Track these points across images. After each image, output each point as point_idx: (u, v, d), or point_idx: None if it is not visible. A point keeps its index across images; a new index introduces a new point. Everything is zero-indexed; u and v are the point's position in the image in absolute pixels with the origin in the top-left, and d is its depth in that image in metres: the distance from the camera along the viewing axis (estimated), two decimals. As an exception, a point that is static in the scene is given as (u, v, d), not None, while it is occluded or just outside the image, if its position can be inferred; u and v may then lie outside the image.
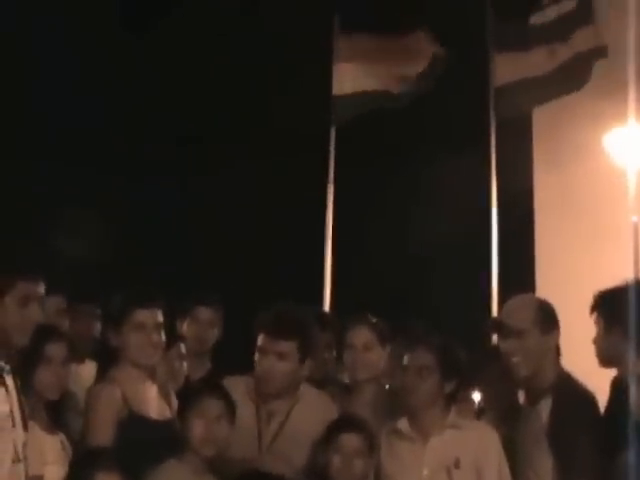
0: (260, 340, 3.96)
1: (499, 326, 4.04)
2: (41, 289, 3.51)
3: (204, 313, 5.13)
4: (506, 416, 4.18)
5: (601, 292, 3.99)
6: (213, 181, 7.22)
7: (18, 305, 3.43)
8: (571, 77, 6.70)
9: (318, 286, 6.92)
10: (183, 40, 7.44)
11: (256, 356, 3.98)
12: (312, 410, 4.01)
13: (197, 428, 3.71)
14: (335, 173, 7.09)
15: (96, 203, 7.10)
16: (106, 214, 7.14)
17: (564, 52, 6.68)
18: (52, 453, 3.65)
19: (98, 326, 5.28)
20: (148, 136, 7.34)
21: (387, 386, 4.34)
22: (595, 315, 4.01)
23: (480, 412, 4.42)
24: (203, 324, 5.12)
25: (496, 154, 7.04)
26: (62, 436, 3.77)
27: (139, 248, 7.15)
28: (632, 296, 3.85)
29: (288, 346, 3.96)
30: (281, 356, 3.95)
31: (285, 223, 7.30)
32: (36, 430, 3.62)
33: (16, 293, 3.43)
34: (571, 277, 6.90)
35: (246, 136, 7.41)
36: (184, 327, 5.12)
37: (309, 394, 4.08)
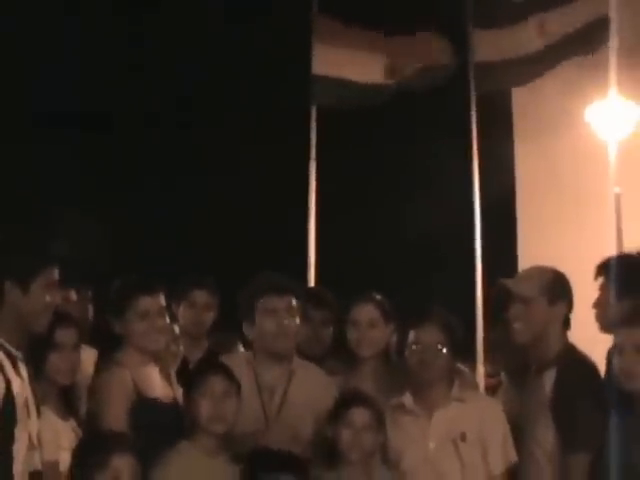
0: (264, 301, 4.04)
1: (507, 291, 4.09)
2: (57, 275, 3.51)
3: (200, 296, 5.13)
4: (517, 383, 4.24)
5: (613, 256, 4.05)
6: (196, 162, 7.21)
7: (43, 292, 3.43)
8: (566, 54, 6.67)
9: (302, 266, 6.96)
10: (159, 21, 7.38)
11: (261, 320, 4.05)
12: (309, 381, 4.10)
13: (204, 407, 3.75)
14: (317, 151, 7.13)
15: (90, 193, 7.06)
16: (95, 200, 7.10)
17: (556, 27, 6.64)
18: (66, 438, 3.66)
19: (91, 310, 5.28)
20: (135, 121, 7.29)
21: (391, 361, 4.36)
22: (602, 279, 4.06)
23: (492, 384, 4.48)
24: (199, 307, 5.12)
25: (476, 128, 7.08)
26: (73, 422, 3.77)
27: (129, 232, 7.12)
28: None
29: (293, 301, 4.08)
30: (290, 311, 4.06)
31: (268, 203, 7.32)
32: (50, 416, 3.64)
33: (41, 280, 3.43)
34: (554, 249, 6.96)
35: (226, 116, 7.38)
36: (180, 310, 5.12)
37: (302, 366, 4.17)
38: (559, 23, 6.67)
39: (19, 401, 3.33)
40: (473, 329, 6.21)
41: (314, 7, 7.25)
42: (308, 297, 4.64)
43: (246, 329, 4.14)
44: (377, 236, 7.61)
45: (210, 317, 5.12)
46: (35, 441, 3.41)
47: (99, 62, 7.24)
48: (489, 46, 7.07)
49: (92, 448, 3.60)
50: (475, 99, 7.12)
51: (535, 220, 7.30)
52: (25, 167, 6.88)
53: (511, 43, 7.00)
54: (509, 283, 4.10)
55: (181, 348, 4.83)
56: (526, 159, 7.37)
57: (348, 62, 7.11)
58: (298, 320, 4.12)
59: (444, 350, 4.01)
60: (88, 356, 4.37)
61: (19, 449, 3.32)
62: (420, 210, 7.44)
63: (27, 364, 3.50)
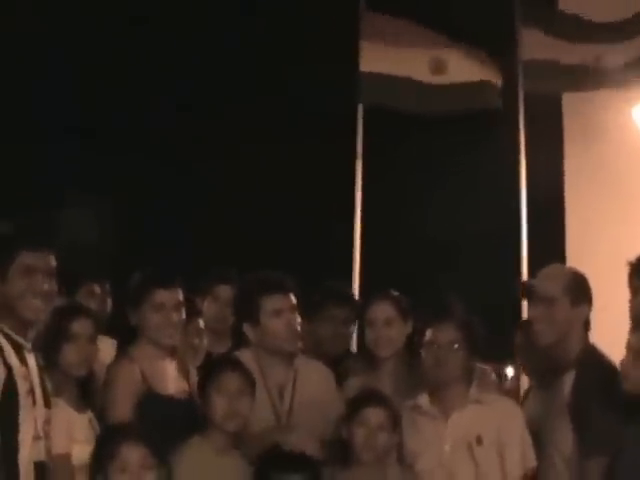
0: (270, 301, 4.00)
1: (529, 291, 4.03)
2: (48, 262, 3.46)
3: (225, 291, 5.15)
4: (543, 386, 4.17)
5: None
6: (241, 158, 7.23)
7: (21, 276, 3.40)
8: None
9: (347, 263, 6.94)
10: (203, 14, 7.38)
11: (267, 320, 4.02)
12: (313, 377, 4.09)
13: (219, 404, 3.75)
14: (364, 149, 7.10)
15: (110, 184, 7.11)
16: (120, 192, 7.14)
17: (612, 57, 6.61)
18: (80, 431, 3.68)
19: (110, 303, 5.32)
20: (168, 114, 7.32)
21: (409, 361, 4.33)
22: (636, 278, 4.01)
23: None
24: (223, 302, 5.14)
25: (525, 130, 7.00)
26: (90, 414, 3.79)
27: (161, 226, 7.15)
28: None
29: (294, 299, 4.06)
30: (294, 309, 4.05)
31: (313, 201, 7.31)
32: (64, 407, 3.66)
33: (18, 266, 3.41)
34: (602, 250, 6.83)
35: (272, 115, 7.39)
36: (204, 305, 5.13)
37: (304, 361, 4.15)
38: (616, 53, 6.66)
39: (22, 388, 3.34)
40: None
41: (362, 3, 7.23)
42: (329, 295, 4.63)
43: (247, 329, 4.09)
44: (424, 235, 7.55)
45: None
46: (41, 431, 3.43)
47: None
48: (539, 47, 7.01)
49: (102, 440, 3.65)
50: (524, 98, 7.06)
51: (583, 220, 7.18)
52: (41, 162, 6.96)
53: (562, 50, 6.96)
54: (532, 283, 4.04)
55: (205, 342, 4.83)
56: (574, 159, 7.26)
57: (395, 59, 7.07)
58: (299, 317, 4.09)
59: (460, 349, 3.96)
60: (109, 348, 4.42)
61: (24, 437, 3.33)
62: (467, 210, 7.37)
63: (36, 354, 3.52)
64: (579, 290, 3.98)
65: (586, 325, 3.97)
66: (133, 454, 3.53)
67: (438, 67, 6.98)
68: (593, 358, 3.91)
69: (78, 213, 6.80)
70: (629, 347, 3.67)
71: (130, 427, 3.66)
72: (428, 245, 7.51)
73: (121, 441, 3.55)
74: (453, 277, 6.99)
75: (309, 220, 7.35)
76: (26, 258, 3.43)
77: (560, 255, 7.31)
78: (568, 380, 3.88)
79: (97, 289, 5.11)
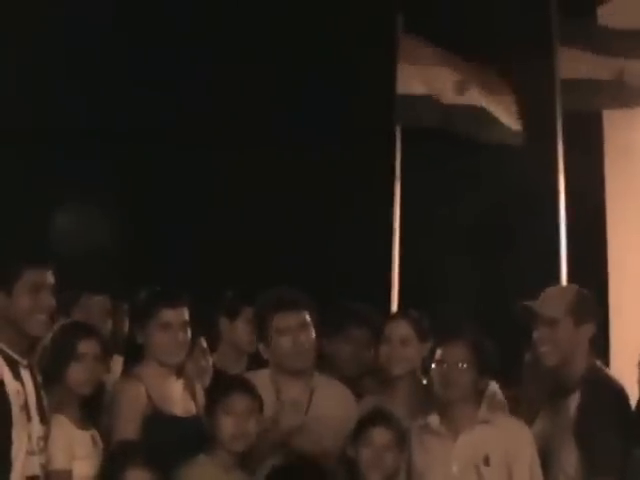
0: (278, 319, 4.01)
1: (531, 313, 3.99)
2: (50, 278, 3.59)
3: (247, 312, 5.14)
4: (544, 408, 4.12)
5: None
6: (281, 181, 7.28)
7: (28, 293, 3.51)
8: None
9: (384, 283, 6.93)
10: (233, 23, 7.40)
11: (274, 339, 4.02)
12: (330, 398, 4.06)
13: (226, 425, 3.76)
14: (402, 170, 7.11)
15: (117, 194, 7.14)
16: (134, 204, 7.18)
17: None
18: (82, 448, 3.72)
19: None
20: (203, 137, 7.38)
21: (424, 381, 4.30)
22: None
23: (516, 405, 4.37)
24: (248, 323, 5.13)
25: (566, 145, 6.93)
26: (94, 431, 3.83)
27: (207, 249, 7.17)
28: None
29: (306, 317, 4.04)
30: (304, 327, 4.02)
31: (351, 220, 7.33)
32: (65, 424, 3.71)
33: (23, 283, 3.51)
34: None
35: (312, 134, 7.43)
36: (231, 325, 5.13)
37: (323, 382, 4.12)
38: None
39: (15, 404, 3.41)
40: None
41: (399, 27, 7.27)
42: (350, 316, 4.62)
43: (262, 348, 4.12)
44: (460, 255, 7.52)
45: None
46: (35, 446, 3.49)
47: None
48: (576, 64, 6.95)
49: (108, 462, 3.71)
50: (563, 114, 7.00)
51: (625, 238, 7.06)
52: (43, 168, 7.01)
53: (601, 66, 6.90)
54: (533, 305, 3.99)
55: (210, 363, 4.85)
56: (615, 176, 7.16)
57: (429, 81, 7.10)
58: (313, 334, 4.07)
59: (469, 369, 3.93)
60: (119, 366, 4.48)
61: (17, 452, 3.40)
62: (505, 229, 7.32)
63: (35, 371, 3.61)
64: (583, 309, 3.93)
65: (591, 343, 3.92)
66: (140, 477, 3.58)
67: (464, 88, 6.99)
68: (598, 378, 3.85)
69: (81, 222, 6.88)
70: None
71: (136, 449, 3.71)
72: (465, 263, 7.46)
73: (127, 464, 3.60)
74: (491, 295, 6.93)
75: (347, 240, 7.38)
76: (32, 275, 3.53)
77: (602, 274, 7.20)
78: (574, 400, 3.83)
79: (108, 305, 5.16)
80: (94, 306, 5.07)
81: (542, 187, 6.94)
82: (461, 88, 6.98)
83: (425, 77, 7.07)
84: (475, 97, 7.01)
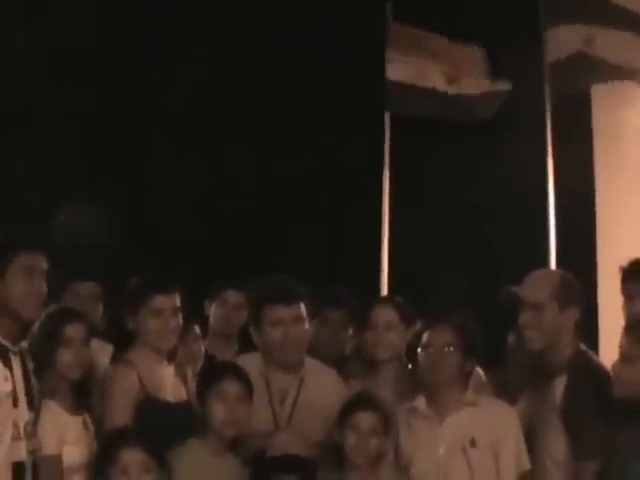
0: (271, 311, 4.01)
1: (516, 298, 4.02)
2: (44, 263, 3.63)
3: (233, 296, 5.21)
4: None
5: None
6: (267, 167, 7.30)
7: (22, 277, 3.55)
8: None
9: (375, 273, 6.95)
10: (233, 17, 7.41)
11: (265, 329, 4.04)
12: (319, 386, 4.08)
13: (218, 410, 3.79)
14: (390, 157, 7.13)
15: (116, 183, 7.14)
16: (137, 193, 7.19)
17: None
18: (72, 433, 3.75)
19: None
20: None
21: (409, 365, 4.35)
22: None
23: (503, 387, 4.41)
24: (231, 306, 5.19)
25: (555, 131, 6.95)
26: (86, 416, 3.86)
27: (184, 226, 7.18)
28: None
29: (300, 308, 4.04)
30: (297, 320, 4.02)
31: (340, 207, 7.35)
32: (55, 409, 3.74)
33: (15, 267, 3.56)
34: (634, 248, 6.71)
35: (298, 121, 7.43)
36: (212, 308, 5.20)
37: (314, 367, 4.15)
38: None
39: (2, 390, 3.46)
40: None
41: (388, 15, 7.29)
42: (325, 299, 4.65)
43: (254, 332, 4.15)
44: (450, 241, 7.54)
45: (241, 317, 5.06)
46: (22, 432, 3.53)
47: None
48: (563, 43, 6.95)
49: (103, 444, 3.75)
50: (551, 99, 7.01)
51: (615, 221, 7.09)
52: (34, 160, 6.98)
53: (588, 42, 6.88)
54: (518, 290, 4.03)
55: (202, 348, 4.89)
56: (605, 159, 7.18)
57: (417, 69, 7.12)
58: (307, 325, 4.08)
59: (455, 352, 3.97)
60: (106, 352, 4.52)
61: (2, 438, 3.44)
62: (495, 214, 7.34)
63: (26, 357, 3.65)
64: (567, 293, 3.96)
65: (577, 328, 3.95)
66: (133, 457, 3.63)
67: (454, 77, 7.01)
68: (584, 362, 3.89)
69: (78, 211, 6.88)
70: (621, 351, 3.65)
71: (129, 431, 3.75)
72: (455, 249, 7.49)
73: (121, 445, 3.64)
74: (481, 280, 6.95)
75: (336, 228, 7.39)
76: (26, 259, 3.58)
77: (590, 255, 7.23)
78: (559, 384, 3.87)
79: (98, 291, 5.20)
80: (83, 292, 5.11)
81: (531, 172, 6.95)
82: (450, 77, 7.00)
83: (414, 64, 7.10)
84: (464, 84, 7.02)
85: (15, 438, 3.49)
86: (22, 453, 3.53)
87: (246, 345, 4.78)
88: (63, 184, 7.02)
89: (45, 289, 3.66)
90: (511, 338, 4.51)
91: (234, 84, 7.41)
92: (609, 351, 4.59)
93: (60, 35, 7.01)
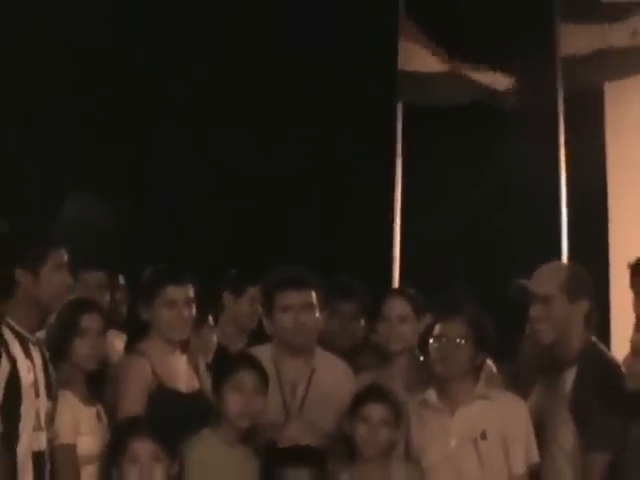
0: (282, 297, 4.06)
1: (526, 291, 4.04)
2: (66, 256, 3.71)
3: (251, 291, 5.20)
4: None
5: None
6: (279, 158, 7.32)
7: (52, 275, 3.63)
8: None
9: (387, 262, 6.97)
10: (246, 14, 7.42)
11: (277, 315, 4.08)
12: (330, 376, 4.11)
13: (233, 402, 3.80)
14: (403, 147, 7.15)
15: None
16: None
17: None
18: (87, 423, 3.79)
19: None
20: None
21: (421, 357, 4.37)
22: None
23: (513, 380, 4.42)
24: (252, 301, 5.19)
25: (567, 129, 6.96)
26: (99, 407, 3.90)
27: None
28: None
29: (311, 295, 4.08)
30: (308, 307, 4.06)
31: (352, 199, 7.38)
32: (71, 400, 3.78)
33: (49, 264, 3.63)
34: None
35: (311, 108, 7.45)
36: (235, 301, 5.20)
37: (325, 358, 4.18)
38: None
39: (25, 381, 3.50)
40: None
41: (401, 7, 7.29)
42: (336, 290, 4.67)
43: (266, 324, 4.18)
44: (462, 234, 7.55)
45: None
46: (42, 422, 3.57)
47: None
48: (577, 39, 6.95)
49: (115, 434, 3.79)
50: (564, 92, 7.02)
51: (627, 216, 7.09)
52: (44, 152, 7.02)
53: (601, 38, 6.89)
54: (527, 283, 4.04)
55: (215, 339, 4.92)
56: (617, 154, 7.17)
57: (430, 59, 7.13)
58: (318, 314, 4.12)
59: (467, 344, 3.98)
60: (121, 342, 4.55)
61: (24, 428, 3.48)
62: (506, 206, 7.36)
63: (43, 347, 3.69)
64: (577, 286, 3.97)
65: (587, 321, 3.96)
66: (144, 447, 3.66)
67: (466, 68, 7.03)
68: (594, 354, 3.90)
69: (88, 202, 6.92)
70: (632, 346, 3.67)
71: (141, 422, 3.78)
72: (467, 242, 7.51)
73: (132, 435, 3.68)
74: (492, 273, 6.96)
75: (348, 219, 7.41)
76: (57, 255, 3.67)
77: (602, 249, 7.23)
78: (569, 376, 3.89)
79: (105, 280, 5.23)
80: (91, 281, 5.14)
81: (544, 166, 6.97)
82: (463, 68, 7.02)
83: (426, 56, 7.11)
84: (475, 77, 7.03)
85: (36, 428, 3.55)
86: (42, 443, 3.58)
87: (255, 338, 4.83)
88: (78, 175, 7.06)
89: (71, 281, 3.76)
90: (527, 329, 4.51)
91: (250, 77, 7.45)
92: (621, 346, 4.62)
93: (61, 34, 7.04)
